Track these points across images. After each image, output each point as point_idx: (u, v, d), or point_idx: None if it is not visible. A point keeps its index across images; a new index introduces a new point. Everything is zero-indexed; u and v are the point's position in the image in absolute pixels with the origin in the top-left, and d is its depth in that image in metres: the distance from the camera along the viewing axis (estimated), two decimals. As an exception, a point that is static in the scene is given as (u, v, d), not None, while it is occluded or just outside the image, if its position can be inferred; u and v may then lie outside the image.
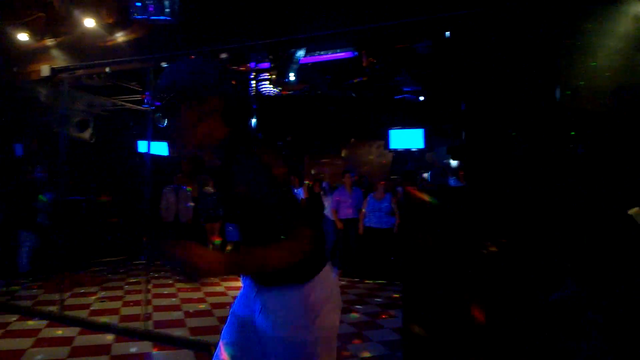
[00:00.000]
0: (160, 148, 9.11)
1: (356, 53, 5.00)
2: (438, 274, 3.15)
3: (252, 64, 5.28)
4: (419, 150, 8.09)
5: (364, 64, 5.23)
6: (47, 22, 5.22)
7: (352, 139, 9.67)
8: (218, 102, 1.39)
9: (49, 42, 5.52)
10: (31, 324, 4.54)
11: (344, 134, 9.71)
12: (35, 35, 5.43)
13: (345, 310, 5.32)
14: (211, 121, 1.40)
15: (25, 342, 3.97)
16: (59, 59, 5.64)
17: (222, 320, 4.77)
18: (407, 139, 7.90)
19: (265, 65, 5.25)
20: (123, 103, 8.32)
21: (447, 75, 6.25)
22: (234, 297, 5.42)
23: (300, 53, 5.01)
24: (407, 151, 8.22)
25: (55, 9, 4.83)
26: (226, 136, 1.42)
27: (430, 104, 7.78)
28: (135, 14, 3.65)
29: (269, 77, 5.08)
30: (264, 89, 5.44)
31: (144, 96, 7.60)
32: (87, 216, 7.93)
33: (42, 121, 7.44)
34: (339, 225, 7.34)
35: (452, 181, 6.00)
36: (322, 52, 5.15)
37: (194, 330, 4.43)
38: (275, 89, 5.26)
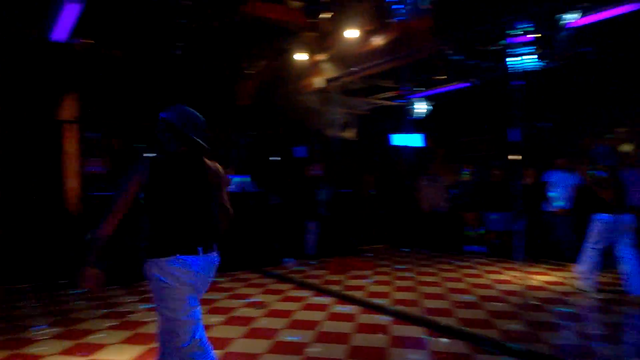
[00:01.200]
0: (414, 140, 9.42)
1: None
2: None
3: (509, 39, 4.86)
4: None
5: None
6: (318, 40, 6.01)
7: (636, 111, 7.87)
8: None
9: (320, 56, 6.38)
10: (322, 300, 5.31)
11: (624, 106, 7.99)
12: (310, 53, 6.34)
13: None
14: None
15: (318, 315, 4.68)
16: (329, 70, 6.47)
17: (493, 314, 4.59)
18: None
19: (526, 38, 4.76)
20: (378, 101, 8.94)
21: None
22: (502, 291, 5.11)
23: (570, 16, 4.34)
24: None
25: (323, 27, 5.50)
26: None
27: None
28: (394, 17, 3.83)
29: (532, 49, 4.57)
30: (525, 64, 4.94)
31: (398, 92, 7.96)
32: (356, 207, 8.83)
33: (315, 126, 8.68)
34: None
35: None
36: (598, 11, 4.34)
37: (464, 322, 4.38)
38: (540, 62, 4.70)
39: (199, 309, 2.45)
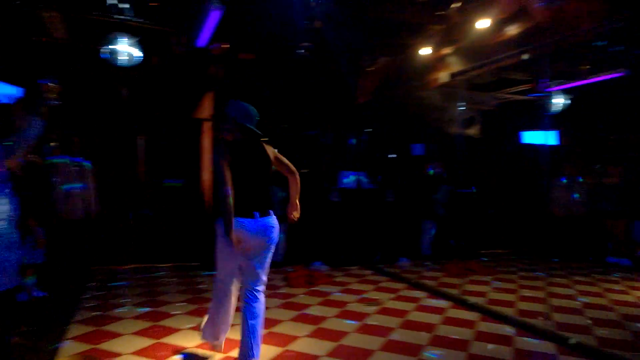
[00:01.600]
0: (547, 137, 8.57)
1: None
2: None
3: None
4: None
5: None
6: (445, 33, 5.72)
7: None
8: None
9: (446, 50, 6.08)
10: (437, 302, 5.10)
11: None
12: (435, 47, 6.07)
13: None
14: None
15: (434, 318, 4.50)
16: (455, 64, 6.16)
17: (638, 335, 3.98)
18: None
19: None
20: (508, 95, 8.29)
21: None
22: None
23: None
24: None
25: (452, 19, 5.22)
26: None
27: None
28: (537, 2, 3.48)
29: None
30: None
31: (533, 85, 7.28)
32: (477, 209, 8.34)
33: (436, 122, 8.36)
34: None
35: None
36: None
37: (604, 341, 3.88)
38: None
39: (254, 264, 3.05)
